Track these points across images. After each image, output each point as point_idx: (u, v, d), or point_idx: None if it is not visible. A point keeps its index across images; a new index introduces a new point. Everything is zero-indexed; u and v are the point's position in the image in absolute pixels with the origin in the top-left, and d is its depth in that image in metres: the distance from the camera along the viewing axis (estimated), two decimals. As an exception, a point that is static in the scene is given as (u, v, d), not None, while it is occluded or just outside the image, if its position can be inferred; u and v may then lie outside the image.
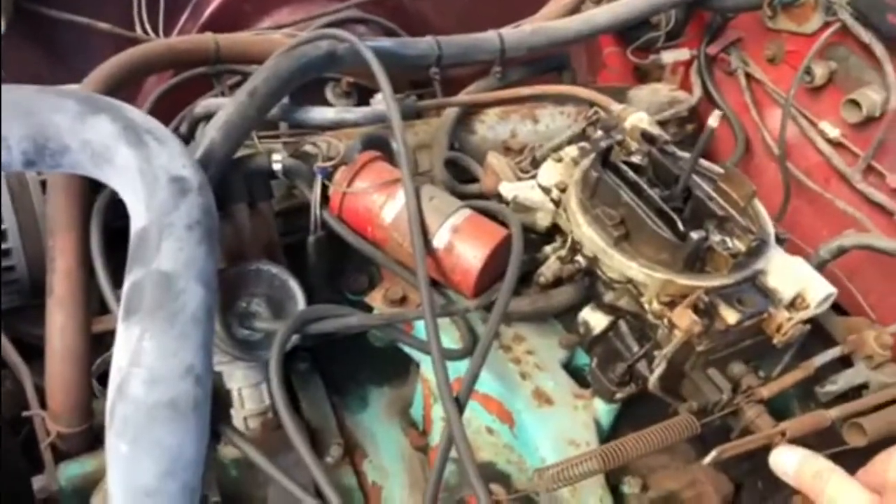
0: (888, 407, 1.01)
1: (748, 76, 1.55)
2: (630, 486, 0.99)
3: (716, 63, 1.62)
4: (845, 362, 1.08)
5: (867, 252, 1.16)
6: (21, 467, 1.32)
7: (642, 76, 1.72)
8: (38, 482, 0.95)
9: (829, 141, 1.40)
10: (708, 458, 0.83)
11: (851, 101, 1.34)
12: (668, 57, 1.63)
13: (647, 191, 0.98)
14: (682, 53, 1.63)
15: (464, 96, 1.33)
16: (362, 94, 1.51)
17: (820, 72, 1.39)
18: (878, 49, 1.28)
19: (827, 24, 1.38)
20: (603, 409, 1.00)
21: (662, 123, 1.46)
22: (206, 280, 0.84)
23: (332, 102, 1.49)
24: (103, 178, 0.88)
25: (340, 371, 1.15)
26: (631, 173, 0.99)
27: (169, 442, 0.79)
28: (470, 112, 1.34)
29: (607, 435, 1.00)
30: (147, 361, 0.78)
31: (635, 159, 1.04)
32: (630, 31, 1.60)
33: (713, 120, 0.94)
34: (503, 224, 1.03)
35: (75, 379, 0.95)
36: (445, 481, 0.97)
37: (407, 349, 1.08)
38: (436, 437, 1.05)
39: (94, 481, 0.94)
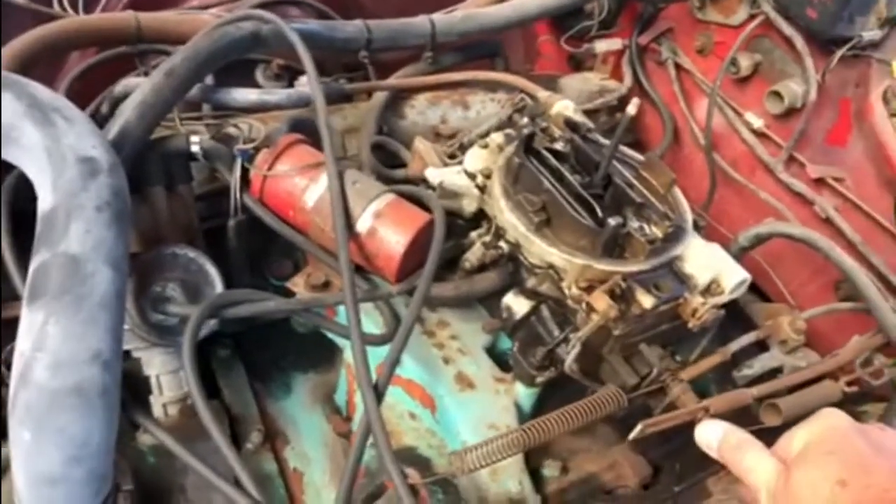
0: (801, 389, 1.04)
1: (678, 66, 1.58)
2: (550, 469, 1.00)
3: (647, 53, 1.64)
4: (762, 347, 1.12)
5: (789, 241, 1.19)
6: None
7: (576, 65, 1.73)
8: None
9: (754, 131, 1.44)
10: (633, 433, 0.85)
11: (774, 92, 1.37)
12: (601, 46, 1.65)
13: (567, 177, 0.98)
14: (615, 43, 1.65)
15: (394, 80, 1.32)
16: (294, 77, 1.49)
17: (745, 63, 1.42)
18: (799, 42, 1.31)
19: (752, 17, 1.41)
20: (524, 393, 1.01)
21: (592, 112, 1.48)
22: (115, 263, 0.82)
23: (261, 84, 1.46)
24: (9, 157, 0.85)
25: (263, 357, 1.14)
26: (552, 160, 1.00)
27: (74, 429, 0.77)
28: (400, 97, 1.33)
29: (528, 418, 1.01)
30: (51, 346, 0.76)
31: (558, 146, 1.05)
32: (564, 20, 1.61)
33: (631, 108, 0.95)
34: (427, 209, 1.03)
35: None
36: (366, 466, 0.97)
37: (330, 335, 1.08)
38: (359, 423, 1.04)
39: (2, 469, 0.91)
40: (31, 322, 0.77)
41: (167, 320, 0.94)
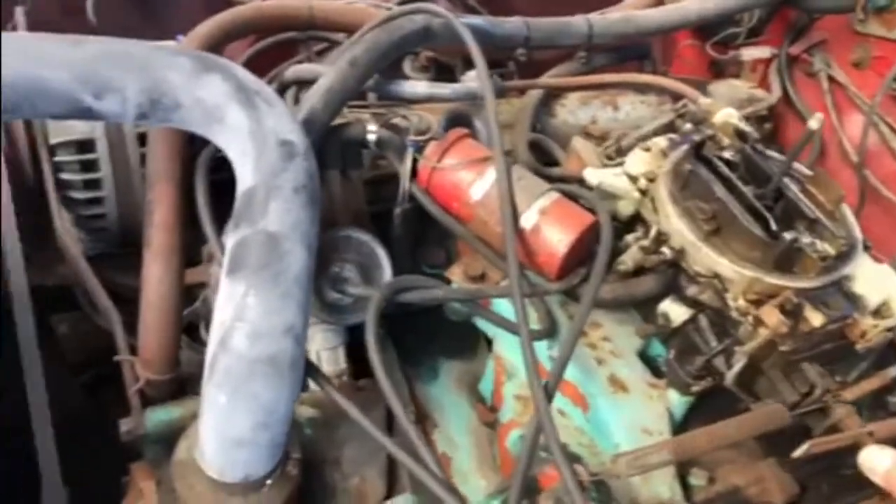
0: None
1: (830, 79, 1.54)
2: (697, 478, 1.00)
3: (797, 63, 1.60)
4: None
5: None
6: (86, 411, 1.36)
7: (717, 71, 1.70)
8: (125, 425, 0.98)
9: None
10: (798, 452, 0.84)
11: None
12: (749, 54, 1.62)
13: (739, 187, 0.98)
14: (763, 51, 1.62)
15: (549, 79, 1.33)
16: (439, 70, 1.52)
17: (910, 80, 1.37)
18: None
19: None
20: (677, 401, 1.01)
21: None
22: (308, 243, 0.86)
23: (409, 76, 1.49)
24: (211, 136, 0.90)
25: (413, 341, 1.17)
26: (725, 168, 1.00)
27: (266, 397, 0.81)
28: (552, 95, 1.34)
29: (679, 427, 1.01)
30: (251, 317, 0.80)
31: (727, 155, 1.04)
32: (710, 26, 1.59)
33: (814, 122, 0.94)
34: (588, 210, 1.04)
35: (168, 329, 0.98)
36: (517, 458, 0.99)
37: (481, 326, 1.10)
38: (506, 414, 1.06)
39: (178, 428, 0.96)
40: (231, 292, 0.81)
41: (342, 300, 0.98)
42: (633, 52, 1.48)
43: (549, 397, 0.85)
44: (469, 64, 1.49)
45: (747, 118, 1.44)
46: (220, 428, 0.83)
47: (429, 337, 1.18)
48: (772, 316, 0.90)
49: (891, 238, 1.42)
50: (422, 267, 1.17)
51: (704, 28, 1.62)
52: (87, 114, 0.86)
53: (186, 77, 0.86)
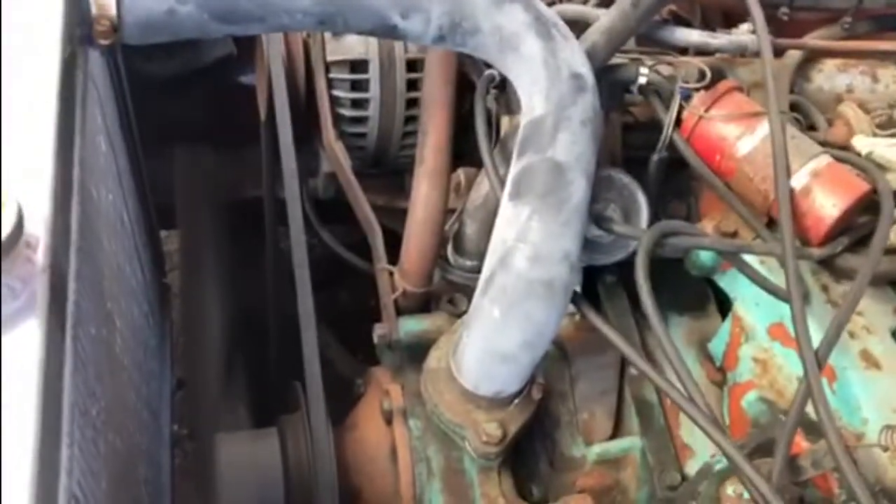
0: None
1: None
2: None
3: None
4: None
5: None
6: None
7: None
8: (380, 328, 1.05)
9: None
10: None
11: None
12: None
13: None
14: None
15: (812, 41, 1.28)
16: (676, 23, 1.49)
17: None
18: None
19: None
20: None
21: None
22: (589, 175, 0.88)
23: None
24: (503, 64, 0.93)
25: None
26: None
27: (538, 317, 0.85)
28: (809, 59, 1.29)
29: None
30: (533, 239, 0.83)
31: None
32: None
33: None
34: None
35: (430, 245, 1.04)
36: (755, 419, 0.98)
37: (722, 284, 1.09)
38: (742, 374, 1.05)
39: (428, 339, 1.02)
40: (515, 215, 0.85)
41: (603, 237, 0.99)
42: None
43: (820, 365, 0.84)
44: (706, 22, 1.46)
45: None
46: (488, 341, 0.87)
47: (659, 289, 1.17)
48: None
49: None
50: (661, 219, 1.17)
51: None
52: (391, 32, 0.91)
53: (489, 4, 0.89)
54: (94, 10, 0.81)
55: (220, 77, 1.52)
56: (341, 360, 1.59)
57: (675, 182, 1.16)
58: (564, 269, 0.84)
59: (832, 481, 0.90)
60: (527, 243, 0.83)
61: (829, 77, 1.29)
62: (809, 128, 1.18)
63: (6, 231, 0.54)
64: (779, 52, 1.31)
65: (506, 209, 0.86)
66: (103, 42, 0.83)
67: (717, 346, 1.13)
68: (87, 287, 0.80)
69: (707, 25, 1.45)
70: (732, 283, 1.08)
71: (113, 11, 0.81)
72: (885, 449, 0.85)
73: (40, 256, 0.59)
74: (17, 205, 0.56)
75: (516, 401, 0.94)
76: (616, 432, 1.07)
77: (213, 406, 1.31)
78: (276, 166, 1.23)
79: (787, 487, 0.90)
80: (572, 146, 0.86)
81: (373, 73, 1.17)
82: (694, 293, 1.18)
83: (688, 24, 1.47)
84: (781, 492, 0.80)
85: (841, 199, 0.96)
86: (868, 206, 1.01)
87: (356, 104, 1.19)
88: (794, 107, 1.20)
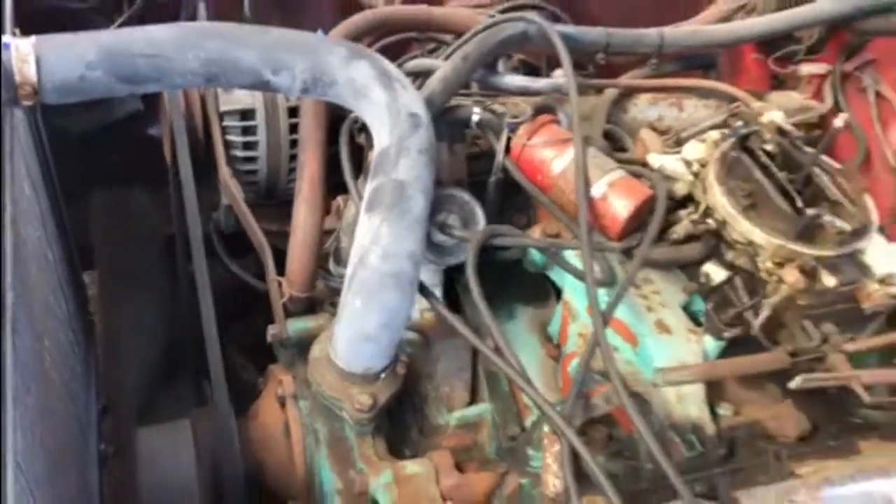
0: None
1: (877, 94, 1.72)
2: (724, 410, 1.22)
3: (849, 79, 1.79)
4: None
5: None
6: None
7: (778, 84, 1.90)
8: (272, 329, 1.26)
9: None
10: (793, 384, 1.06)
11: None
12: (806, 69, 1.81)
13: (776, 173, 1.20)
14: (820, 67, 1.80)
15: (624, 80, 1.57)
16: (527, 70, 1.77)
17: (944, 97, 1.55)
18: None
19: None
20: (711, 345, 1.22)
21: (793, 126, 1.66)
22: (426, 193, 1.12)
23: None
24: (357, 109, 1.17)
25: (494, 291, 1.41)
26: (764, 157, 1.22)
27: (391, 303, 1.08)
28: (625, 95, 1.58)
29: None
30: (383, 242, 1.07)
31: (768, 147, 1.26)
32: (773, 42, 1.79)
33: (839, 121, 1.15)
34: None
35: (310, 257, 1.26)
36: (573, 380, 1.23)
37: (553, 277, 1.35)
38: (569, 348, 1.30)
39: (313, 336, 1.24)
40: (369, 224, 1.08)
41: (447, 241, 1.23)
42: (699, 62, 1.70)
43: (605, 322, 1.09)
44: (552, 66, 1.75)
45: (797, 125, 1.66)
46: (354, 326, 1.10)
47: (508, 288, 1.42)
48: (792, 275, 1.12)
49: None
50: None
51: (768, 44, 1.82)
52: (265, 86, 1.14)
53: (342, 61, 1.14)
54: (17, 78, 1.01)
55: (131, 130, 1.72)
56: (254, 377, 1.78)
57: (517, 198, 1.42)
58: (410, 265, 1.08)
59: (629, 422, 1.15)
60: (378, 245, 1.07)
61: (641, 109, 1.59)
62: (621, 149, 1.47)
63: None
64: (599, 90, 1.60)
65: (363, 221, 1.10)
66: (26, 103, 1.04)
67: (553, 329, 1.38)
68: (21, 303, 0.99)
69: (552, 68, 1.74)
70: (560, 276, 1.33)
71: (34, 78, 1.02)
72: (655, 385, 1.10)
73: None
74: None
75: (383, 375, 1.16)
76: (472, 401, 1.30)
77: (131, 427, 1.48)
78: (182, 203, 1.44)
79: (597, 428, 1.15)
80: (411, 169, 1.10)
81: (259, 120, 1.39)
82: (535, 288, 1.43)
83: (535, 70, 1.77)
84: (574, 424, 1.04)
85: (630, 202, 1.23)
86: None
87: (247, 146, 1.41)
88: (608, 134, 1.48)
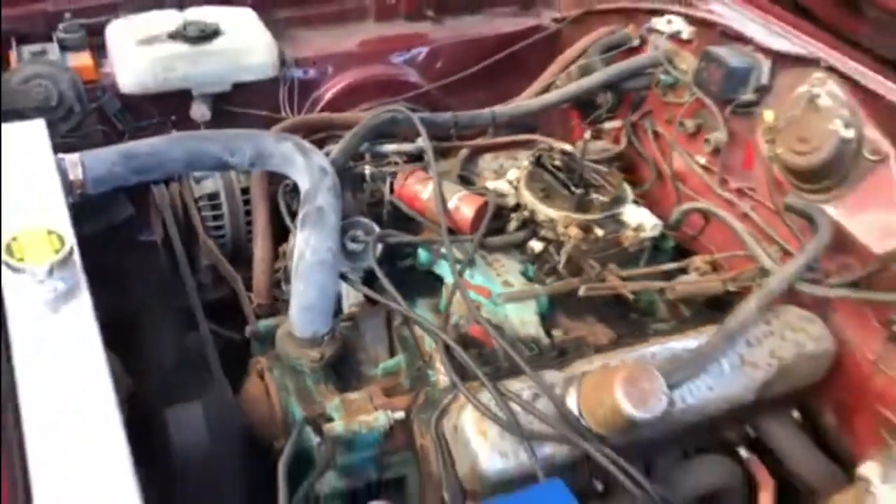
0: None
1: (655, 133, 2.46)
2: (557, 332, 1.82)
3: (638, 126, 2.53)
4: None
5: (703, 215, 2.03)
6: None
7: (596, 137, 2.63)
8: (248, 329, 1.85)
9: (701, 166, 2.28)
10: (581, 292, 1.69)
11: (706, 139, 2.22)
12: (608, 125, 2.55)
13: (559, 175, 1.88)
14: (616, 123, 2.55)
15: (470, 143, 2.28)
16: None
17: (690, 124, 2.28)
18: (714, 108, 2.17)
19: (694, 97, 2.28)
20: (539, 290, 1.86)
21: (598, 161, 2.37)
22: (337, 213, 1.76)
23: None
24: (287, 171, 1.83)
25: (400, 284, 2.03)
26: (550, 167, 1.91)
27: (322, 282, 1.69)
28: (475, 152, 2.28)
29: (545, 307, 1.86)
30: (312, 243, 1.69)
31: (556, 163, 1.96)
32: (586, 110, 2.53)
33: (587, 135, 1.85)
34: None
35: (266, 278, 1.88)
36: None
37: (438, 272, 1.98)
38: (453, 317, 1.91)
39: (274, 330, 1.82)
40: (301, 237, 1.71)
41: (357, 248, 1.86)
42: (526, 126, 2.43)
43: (461, 273, 1.73)
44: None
45: (600, 160, 2.37)
46: (299, 302, 1.70)
47: (409, 289, 2.04)
48: (574, 231, 1.78)
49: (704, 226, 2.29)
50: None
51: (583, 111, 2.57)
52: (224, 166, 1.80)
53: (274, 142, 1.80)
54: (71, 177, 1.64)
55: (125, 233, 2.34)
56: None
57: (406, 226, 2.06)
58: (330, 256, 1.70)
59: (491, 340, 1.75)
60: (309, 246, 1.69)
61: (488, 162, 2.28)
62: (471, 184, 2.15)
63: None
64: (455, 151, 2.30)
65: (298, 237, 1.72)
66: (77, 191, 1.66)
67: (441, 305, 2.00)
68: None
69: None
70: (442, 268, 1.96)
71: (81, 177, 1.65)
72: (497, 304, 1.72)
73: None
74: None
75: (326, 339, 1.74)
76: (391, 355, 1.88)
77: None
78: (175, 276, 2.04)
79: (472, 341, 1.74)
80: (325, 199, 1.74)
81: (223, 199, 2.03)
82: (428, 286, 2.05)
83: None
84: (447, 330, 1.65)
85: (472, 207, 1.90)
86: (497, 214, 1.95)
87: (215, 218, 2.04)
88: (463, 178, 2.16)
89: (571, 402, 1.53)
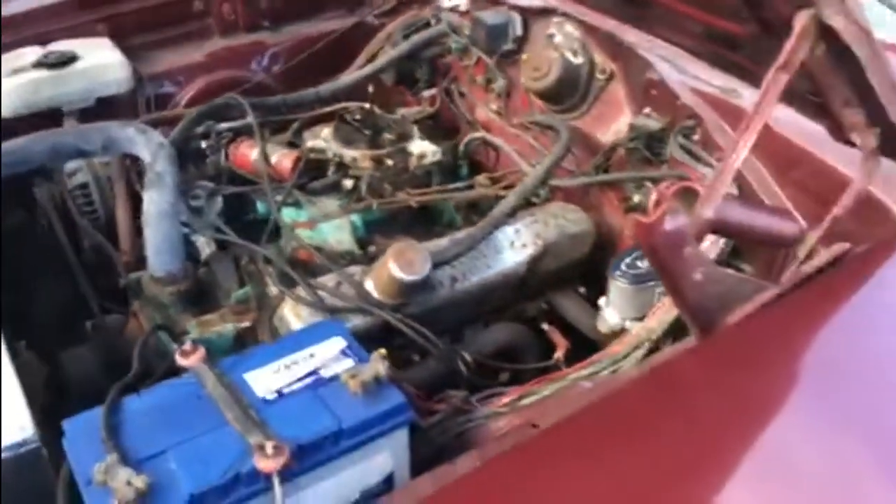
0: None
1: (460, 93, 2.95)
2: (371, 248, 2.28)
3: (450, 91, 3.02)
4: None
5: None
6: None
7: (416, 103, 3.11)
8: (123, 279, 2.26)
9: (494, 111, 2.78)
10: (374, 204, 2.16)
11: (492, 89, 2.72)
12: (426, 93, 3.04)
13: (359, 127, 2.36)
14: (431, 91, 3.04)
15: (295, 116, 2.74)
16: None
17: (481, 79, 2.79)
18: (488, 60, 2.68)
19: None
20: (355, 217, 2.32)
21: (417, 121, 2.85)
22: (173, 176, 2.20)
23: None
24: (133, 150, 2.26)
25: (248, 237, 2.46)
26: (352, 121, 2.39)
27: (165, 229, 2.13)
28: (303, 126, 2.74)
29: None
30: (154, 199, 2.13)
31: (357, 117, 2.43)
32: (410, 83, 3.02)
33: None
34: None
35: (131, 235, 2.31)
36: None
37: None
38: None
39: (142, 281, 2.25)
40: (148, 196, 2.15)
41: (199, 204, 2.30)
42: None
43: (288, 212, 2.18)
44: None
45: (418, 120, 2.85)
46: (151, 247, 2.14)
47: (257, 236, 2.48)
48: (367, 163, 2.25)
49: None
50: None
51: (409, 83, 3.06)
52: (82, 153, 2.24)
53: (119, 128, 2.25)
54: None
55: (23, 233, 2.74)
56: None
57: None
58: (169, 207, 2.13)
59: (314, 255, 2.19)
60: (152, 202, 2.12)
61: (314, 133, 2.75)
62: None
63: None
64: (288, 125, 2.76)
65: (145, 196, 2.16)
66: None
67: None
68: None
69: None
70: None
71: None
72: (314, 228, 2.18)
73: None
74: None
75: (180, 274, 2.17)
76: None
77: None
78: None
79: (300, 263, 2.19)
80: (162, 166, 2.18)
81: (92, 187, 2.47)
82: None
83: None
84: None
85: (290, 159, 2.35)
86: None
87: (89, 204, 2.47)
88: (293, 144, 2.63)
89: (369, 286, 1.99)
